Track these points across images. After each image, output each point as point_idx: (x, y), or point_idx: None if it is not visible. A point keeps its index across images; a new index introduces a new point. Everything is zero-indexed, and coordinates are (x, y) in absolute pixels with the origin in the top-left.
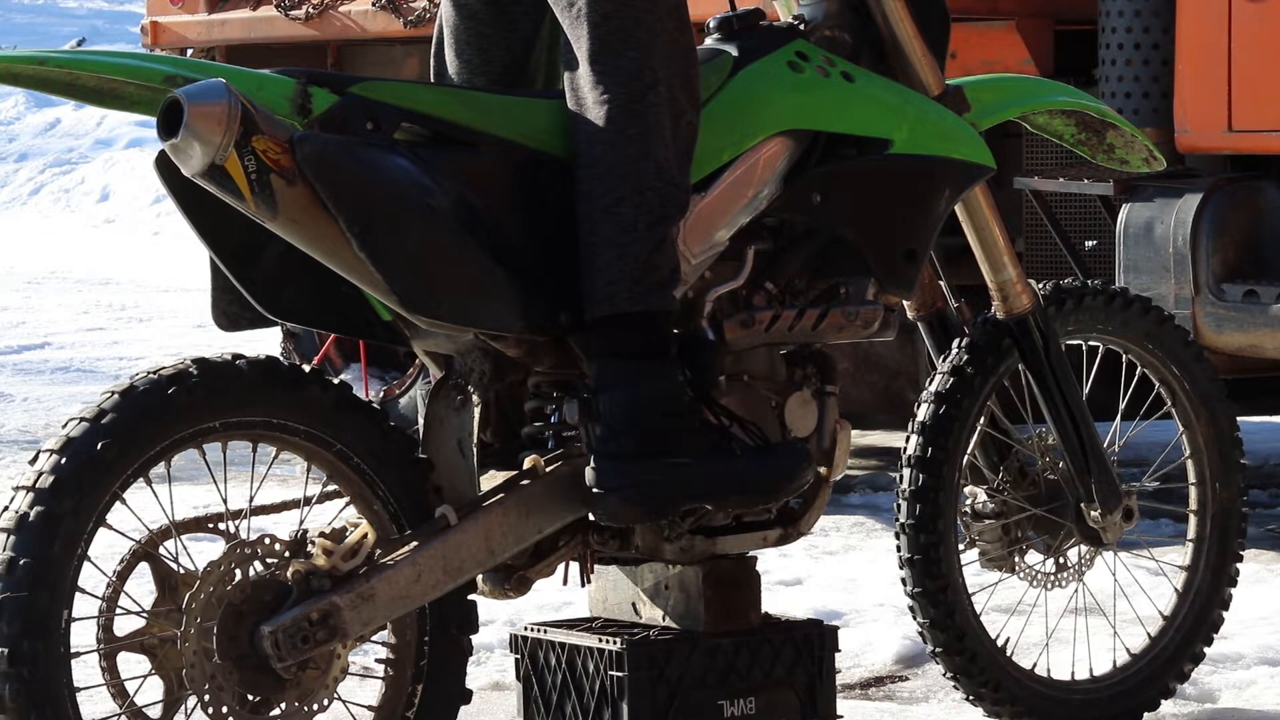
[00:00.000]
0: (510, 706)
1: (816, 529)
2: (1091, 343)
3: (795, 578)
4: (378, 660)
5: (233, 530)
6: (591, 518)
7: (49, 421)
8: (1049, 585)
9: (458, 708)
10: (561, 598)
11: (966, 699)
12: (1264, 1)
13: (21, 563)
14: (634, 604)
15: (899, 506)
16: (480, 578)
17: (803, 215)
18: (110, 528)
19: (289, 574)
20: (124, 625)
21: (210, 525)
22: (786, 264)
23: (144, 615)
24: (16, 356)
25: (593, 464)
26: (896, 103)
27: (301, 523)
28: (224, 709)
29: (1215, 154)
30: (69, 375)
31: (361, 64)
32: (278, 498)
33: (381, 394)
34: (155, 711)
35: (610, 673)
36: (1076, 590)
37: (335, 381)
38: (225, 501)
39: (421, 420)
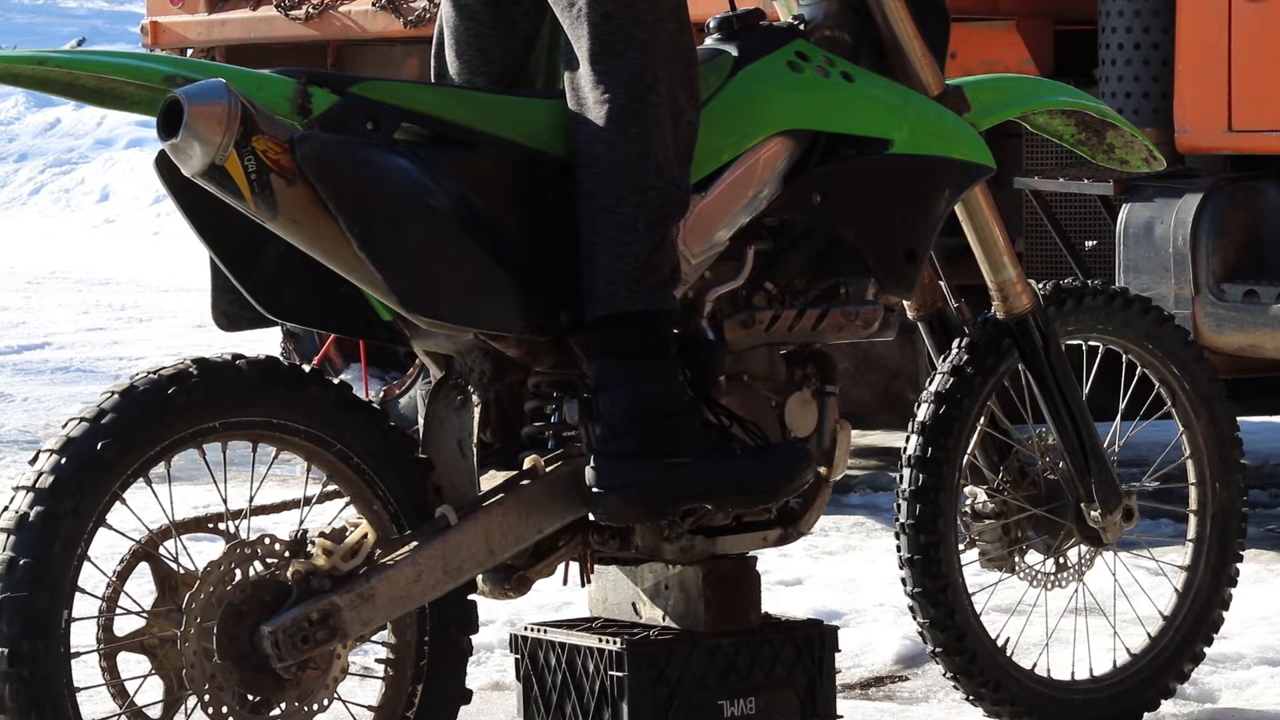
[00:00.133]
0: (510, 706)
1: (816, 529)
2: (1091, 343)
3: (795, 578)
4: (378, 660)
5: (233, 530)
6: (591, 518)
7: (49, 421)
8: (1049, 585)
9: (458, 708)
10: (561, 598)
11: (966, 699)
12: (1264, 1)
13: (21, 563)
14: (634, 604)
15: (899, 506)
16: (480, 578)
17: (803, 215)
18: (110, 528)
19: (289, 574)
20: (124, 625)
21: (210, 525)
22: (786, 264)
23: (144, 615)
24: (16, 356)
25: (593, 463)
26: (896, 103)
27: (301, 523)
28: (224, 709)
29: (1215, 154)
30: (69, 375)
31: (361, 64)
32: (278, 498)
33: (381, 394)
34: (155, 711)
35: (610, 673)
36: (1076, 590)
37: (335, 381)
38: (225, 501)
39: (421, 420)
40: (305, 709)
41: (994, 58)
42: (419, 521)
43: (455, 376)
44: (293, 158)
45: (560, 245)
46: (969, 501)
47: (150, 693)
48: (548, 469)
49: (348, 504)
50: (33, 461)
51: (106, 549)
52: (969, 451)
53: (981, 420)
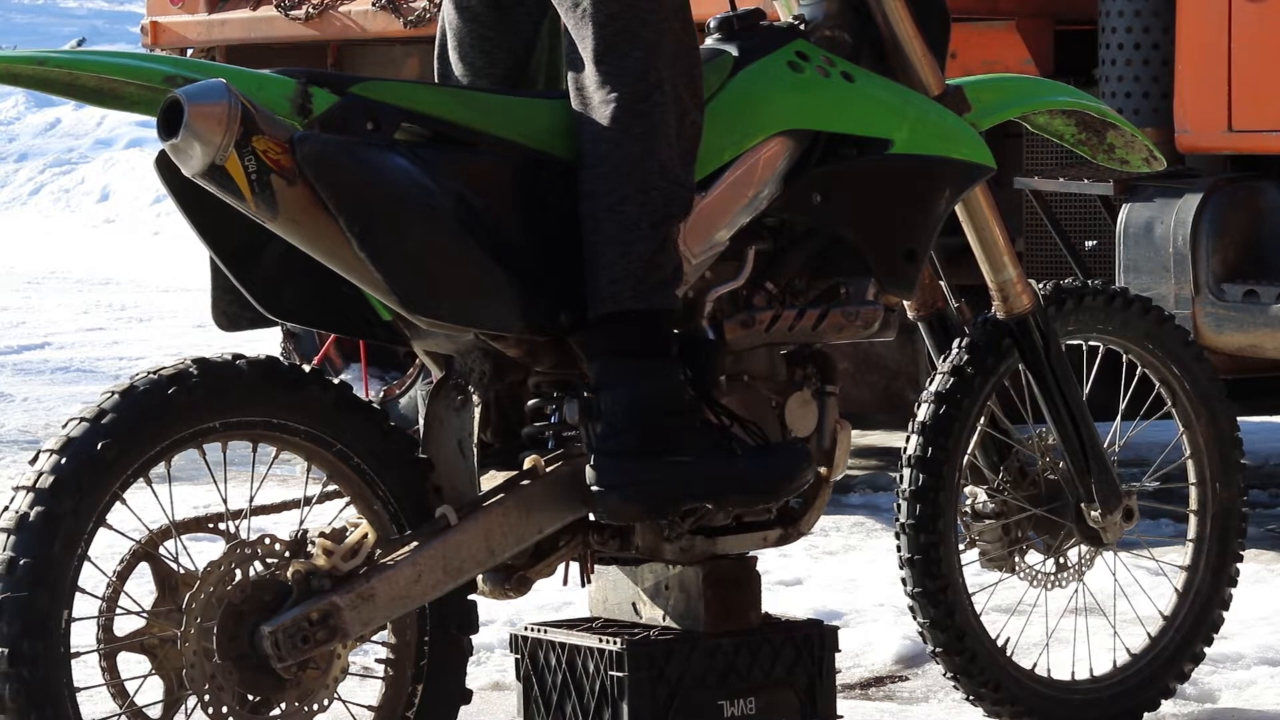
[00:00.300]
0: (510, 706)
1: (816, 529)
2: (1091, 343)
3: (795, 578)
4: (378, 660)
5: (233, 530)
6: (592, 517)
7: (49, 421)
8: (1049, 585)
9: (458, 708)
10: (561, 598)
11: (966, 699)
12: (1264, 1)
13: (21, 563)
14: (634, 604)
15: (899, 506)
16: (480, 578)
17: (803, 215)
18: (110, 528)
19: (289, 574)
20: (124, 625)
21: (210, 525)
22: (787, 264)
23: (144, 615)
24: (16, 356)
25: (593, 462)
26: (896, 103)
27: (301, 523)
28: (224, 709)
29: (1215, 154)
30: (69, 375)
31: (361, 64)
32: (278, 498)
33: (381, 394)
34: (155, 711)
35: (610, 673)
36: (1076, 590)
37: (335, 381)
38: (225, 501)
39: (421, 420)
40: (305, 709)
41: (994, 58)
42: (419, 521)
43: (455, 376)
44: (293, 158)
45: (560, 245)
46: (969, 501)
47: (150, 693)
48: (548, 469)
49: (348, 504)
50: (33, 461)
51: (106, 549)
52: (969, 451)
53: (982, 420)
